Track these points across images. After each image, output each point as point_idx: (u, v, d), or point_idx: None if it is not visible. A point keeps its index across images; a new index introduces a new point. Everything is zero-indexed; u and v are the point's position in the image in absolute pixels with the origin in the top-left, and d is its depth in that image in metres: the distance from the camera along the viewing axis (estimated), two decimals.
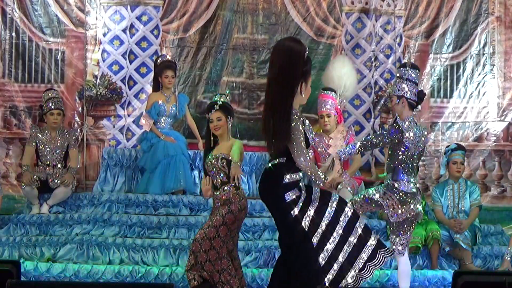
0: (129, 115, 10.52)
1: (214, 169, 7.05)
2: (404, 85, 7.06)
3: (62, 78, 10.49)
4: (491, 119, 10.78)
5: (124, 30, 10.56)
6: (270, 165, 5.90)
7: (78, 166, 9.60)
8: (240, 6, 10.76)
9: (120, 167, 9.74)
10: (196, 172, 9.60)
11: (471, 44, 10.89)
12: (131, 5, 10.59)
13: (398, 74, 7.10)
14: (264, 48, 10.72)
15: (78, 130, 10.09)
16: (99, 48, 10.54)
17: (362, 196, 7.11)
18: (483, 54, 10.88)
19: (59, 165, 9.37)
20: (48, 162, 9.34)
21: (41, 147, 9.35)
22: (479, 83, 10.84)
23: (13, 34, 10.45)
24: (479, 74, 10.86)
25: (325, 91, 9.14)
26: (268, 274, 7.89)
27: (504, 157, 10.75)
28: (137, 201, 9.05)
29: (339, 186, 8.81)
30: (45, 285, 6.13)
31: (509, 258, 8.43)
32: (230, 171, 6.89)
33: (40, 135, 9.37)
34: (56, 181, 9.24)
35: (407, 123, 6.93)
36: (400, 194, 6.94)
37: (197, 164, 9.60)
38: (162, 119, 9.56)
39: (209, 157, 7.11)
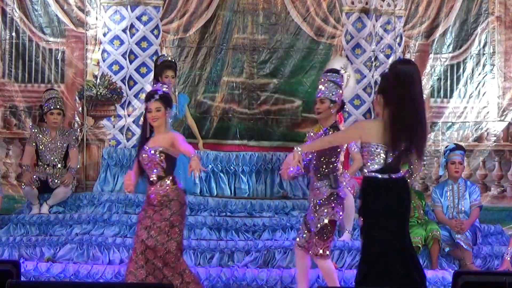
0: (129, 115, 10.51)
1: (150, 162, 6.79)
2: (340, 91, 7.03)
3: (62, 78, 10.49)
4: (491, 119, 10.78)
5: (124, 30, 10.55)
6: (400, 176, 6.14)
7: (78, 166, 9.61)
8: (240, 6, 10.75)
9: (120, 167, 9.74)
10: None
11: (471, 44, 10.88)
12: (131, 5, 10.59)
13: (333, 79, 7.00)
14: (264, 48, 10.72)
15: (78, 130, 10.09)
16: (99, 48, 10.54)
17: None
18: (483, 54, 10.88)
19: (59, 165, 9.38)
20: (48, 162, 9.35)
21: (41, 147, 9.35)
22: (479, 83, 10.84)
23: (13, 34, 10.44)
24: (479, 74, 10.86)
25: None
26: (268, 274, 7.89)
27: (504, 157, 10.75)
28: (137, 201, 9.05)
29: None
30: (45, 285, 6.13)
31: (509, 258, 8.43)
32: (190, 165, 6.51)
33: (40, 135, 9.37)
34: (56, 181, 9.24)
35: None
36: (341, 201, 6.90)
37: None
38: None
39: (146, 148, 6.82)
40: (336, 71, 7.15)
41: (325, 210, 6.80)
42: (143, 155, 6.82)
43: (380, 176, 6.10)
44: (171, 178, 6.81)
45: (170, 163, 6.82)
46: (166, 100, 6.90)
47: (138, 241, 6.75)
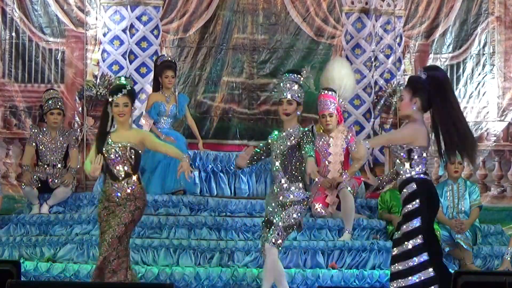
0: None
1: (119, 158, 6.70)
2: (303, 92, 7.05)
3: (62, 78, 10.49)
4: (491, 119, 10.78)
5: (124, 30, 10.56)
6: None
7: (78, 166, 9.59)
8: (240, 6, 10.76)
9: None
10: (196, 172, 9.60)
11: (471, 44, 10.89)
12: (131, 5, 10.59)
13: (297, 80, 6.96)
14: (264, 48, 10.73)
15: (78, 130, 10.08)
16: (99, 48, 10.54)
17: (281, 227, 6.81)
18: (483, 54, 10.88)
19: (59, 165, 9.36)
20: (48, 162, 9.34)
21: (41, 147, 9.35)
22: (479, 83, 10.84)
23: (13, 34, 10.45)
24: (479, 74, 10.87)
25: (326, 91, 9.15)
26: None
27: (504, 157, 10.75)
28: None
29: (340, 186, 8.90)
30: (45, 285, 6.14)
31: (509, 258, 8.42)
32: (181, 165, 6.49)
33: (40, 135, 9.36)
34: (56, 181, 9.24)
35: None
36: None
37: (197, 164, 9.60)
38: (162, 119, 9.56)
39: (111, 143, 6.70)
40: (298, 72, 7.11)
41: (297, 209, 6.80)
42: (110, 149, 6.71)
43: (428, 177, 6.41)
44: (137, 176, 6.78)
45: (138, 160, 6.77)
46: (132, 96, 6.85)
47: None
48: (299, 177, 6.86)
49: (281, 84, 7.03)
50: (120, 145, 6.70)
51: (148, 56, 10.55)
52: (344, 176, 8.83)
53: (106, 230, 6.69)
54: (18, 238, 8.53)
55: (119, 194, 6.71)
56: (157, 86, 9.66)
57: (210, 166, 9.64)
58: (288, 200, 6.81)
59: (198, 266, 8.08)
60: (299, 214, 6.81)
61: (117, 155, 6.71)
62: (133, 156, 6.70)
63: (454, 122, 6.24)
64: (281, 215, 6.78)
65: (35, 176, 9.18)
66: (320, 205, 8.88)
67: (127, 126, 6.82)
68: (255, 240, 8.52)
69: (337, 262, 8.30)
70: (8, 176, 10.32)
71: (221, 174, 9.67)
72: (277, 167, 6.90)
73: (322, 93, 9.15)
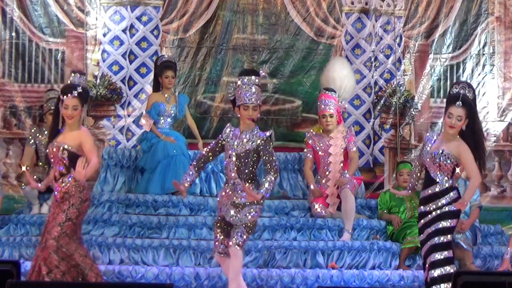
0: (129, 115, 10.52)
1: (54, 158, 6.78)
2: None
3: (62, 78, 10.49)
4: (491, 119, 10.78)
5: (124, 30, 10.56)
6: None
7: None
8: (240, 6, 10.76)
9: (120, 167, 9.72)
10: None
11: (471, 44, 10.89)
12: (131, 5, 10.60)
13: (258, 83, 6.93)
14: (264, 48, 10.73)
15: None
16: (99, 48, 10.55)
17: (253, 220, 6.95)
18: (483, 54, 10.88)
19: None
20: (48, 162, 9.32)
21: (41, 148, 9.35)
22: (479, 83, 10.84)
23: (13, 34, 10.45)
24: (479, 74, 10.87)
25: (327, 91, 9.14)
26: (268, 274, 7.89)
27: (504, 157, 10.75)
28: (137, 201, 9.04)
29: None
30: (45, 285, 6.14)
31: (509, 258, 8.42)
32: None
33: (40, 136, 9.36)
34: None
35: None
36: None
37: None
38: (162, 119, 9.55)
39: (53, 143, 6.80)
40: (257, 73, 7.06)
41: (253, 210, 6.89)
42: (49, 149, 6.83)
43: None
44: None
45: (73, 161, 6.76)
46: (84, 97, 6.90)
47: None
48: (254, 177, 6.94)
49: (244, 87, 6.91)
50: (56, 145, 6.78)
51: (148, 56, 10.55)
52: (348, 176, 8.83)
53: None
54: (18, 238, 8.53)
55: (56, 193, 6.81)
56: (157, 86, 9.65)
57: (210, 166, 9.62)
58: (243, 201, 6.87)
59: (198, 266, 8.09)
60: (254, 214, 6.87)
61: (51, 155, 6.81)
62: (65, 157, 6.74)
63: (482, 135, 6.94)
64: (238, 216, 6.86)
65: (35, 176, 9.17)
66: (320, 205, 8.87)
67: (75, 128, 6.86)
68: (255, 240, 8.52)
69: (337, 262, 8.30)
70: (8, 176, 10.33)
71: (221, 174, 9.65)
72: (231, 167, 6.96)
73: (323, 93, 9.14)
